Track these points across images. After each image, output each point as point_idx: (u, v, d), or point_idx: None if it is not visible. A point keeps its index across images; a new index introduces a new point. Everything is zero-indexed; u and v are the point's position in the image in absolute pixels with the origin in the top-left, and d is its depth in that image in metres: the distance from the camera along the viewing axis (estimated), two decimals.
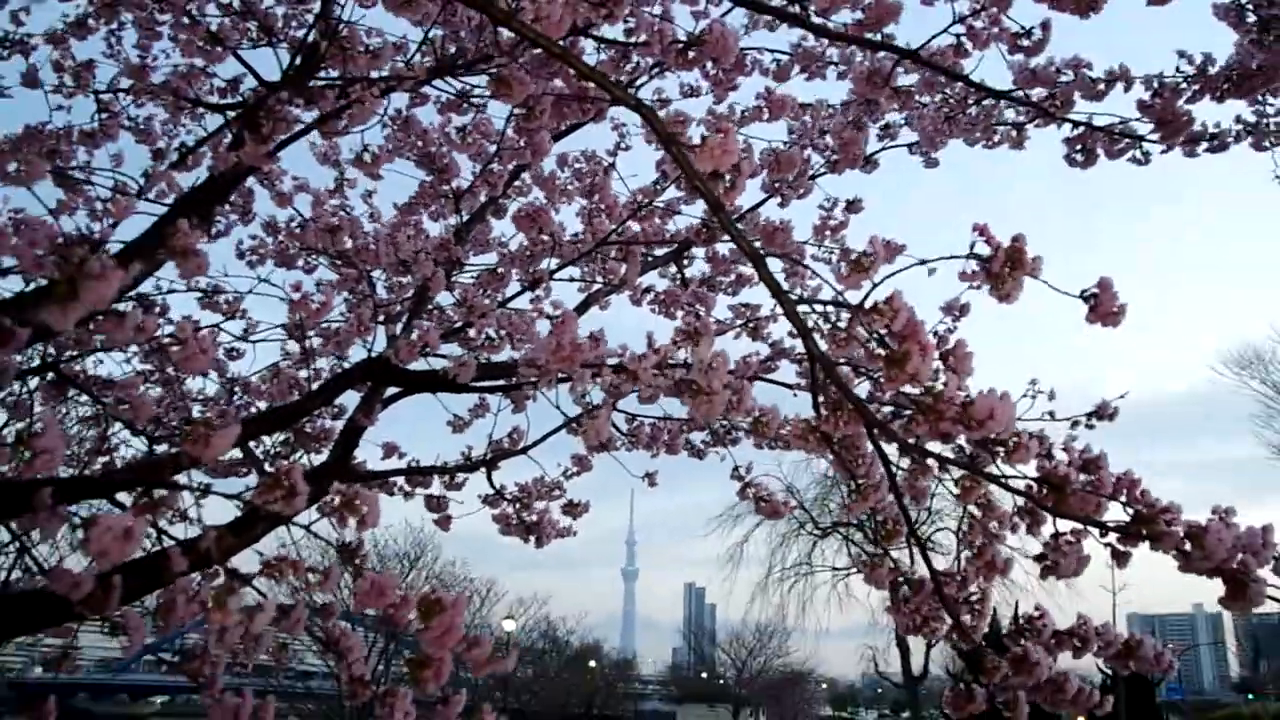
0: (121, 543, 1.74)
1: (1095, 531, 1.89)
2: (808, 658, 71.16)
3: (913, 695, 33.03)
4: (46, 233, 2.02)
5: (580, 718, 60.05)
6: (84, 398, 4.92)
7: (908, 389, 1.92)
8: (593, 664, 59.93)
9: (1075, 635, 2.01)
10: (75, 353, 4.00)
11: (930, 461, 2.36)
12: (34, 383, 4.29)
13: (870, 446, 2.15)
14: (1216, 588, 1.67)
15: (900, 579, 2.26)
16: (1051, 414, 4.36)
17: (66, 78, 3.49)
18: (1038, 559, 2.23)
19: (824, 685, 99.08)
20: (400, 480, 4.39)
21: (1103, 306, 2.06)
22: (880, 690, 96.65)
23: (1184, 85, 3.84)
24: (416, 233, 4.10)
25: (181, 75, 3.45)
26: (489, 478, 4.18)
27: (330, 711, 21.91)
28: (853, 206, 4.53)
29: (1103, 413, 4.45)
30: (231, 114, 3.41)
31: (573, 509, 4.32)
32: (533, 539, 4.13)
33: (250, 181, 4.09)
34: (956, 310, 4.24)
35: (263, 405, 4.54)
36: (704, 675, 79.20)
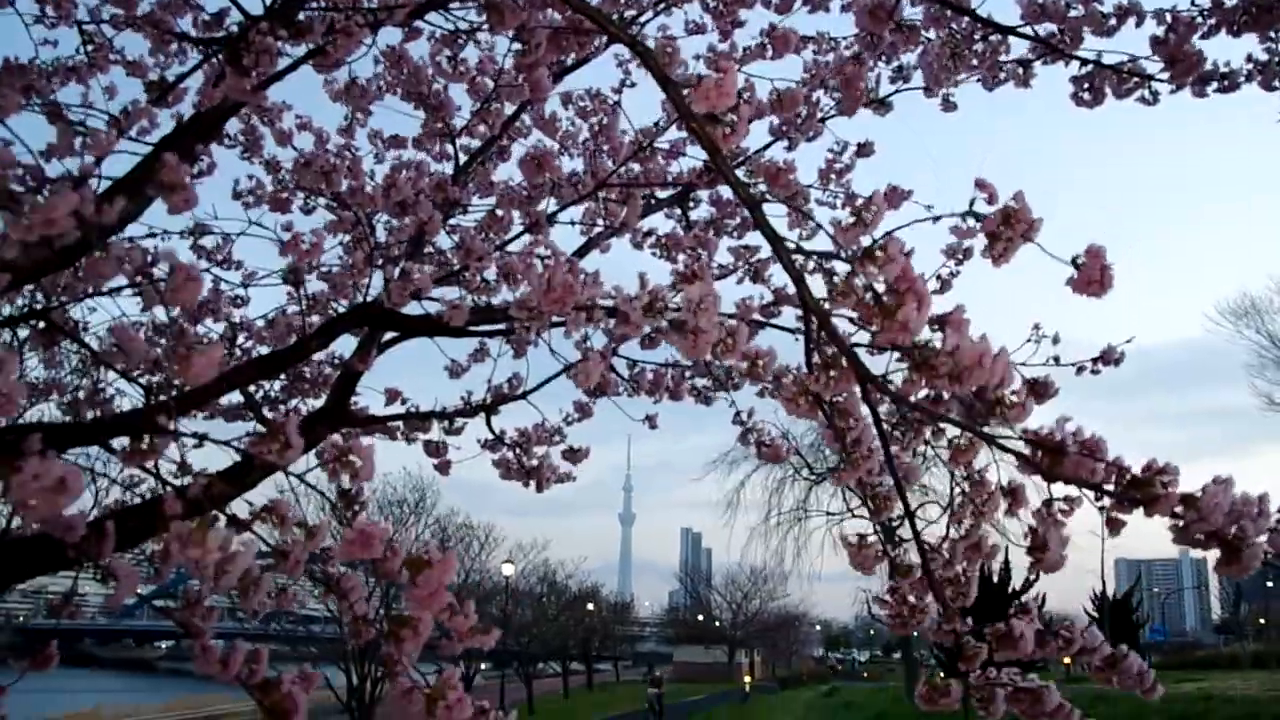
0: (51, 495, 1.56)
1: (1090, 495, 1.84)
2: (802, 600, 72.50)
3: (904, 637, 33.52)
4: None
5: (579, 659, 61.11)
6: (76, 348, 4.87)
7: (902, 342, 1.86)
8: (591, 607, 60.77)
9: (1060, 636, 1.96)
10: (65, 299, 3.93)
11: (923, 421, 2.32)
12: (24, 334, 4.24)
13: (865, 410, 2.10)
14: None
15: (892, 561, 2.20)
16: (1056, 359, 4.32)
17: (49, 8, 3.35)
18: (1028, 547, 2.16)
19: (818, 627, 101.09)
20: (399, 425, 4.36)
21: (1084, 276, 1.98)
22: (873, 632, 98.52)
23: (1199, 20, 3.73)
24: (417, 174, 4.01)
25: (164, 5, 3.34)
26: (488, 423, 4.15)
27: (333, 654, 22.20)
28: (863, 150, 4.43)
29: (1108, 358, 4.39)
30: (216, 49, 3.30)
31: (573, 455, 4.29)
32: (533, 483, 4.11)
33: (254, 120, 3.99)
34: (959, 255, 4.18)
35: (266, 350, 4.48)
36: (700, 618, 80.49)
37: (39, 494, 1.56)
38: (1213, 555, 1.63)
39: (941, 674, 2.07)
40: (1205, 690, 18.01)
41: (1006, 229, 1.91)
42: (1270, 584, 55.21)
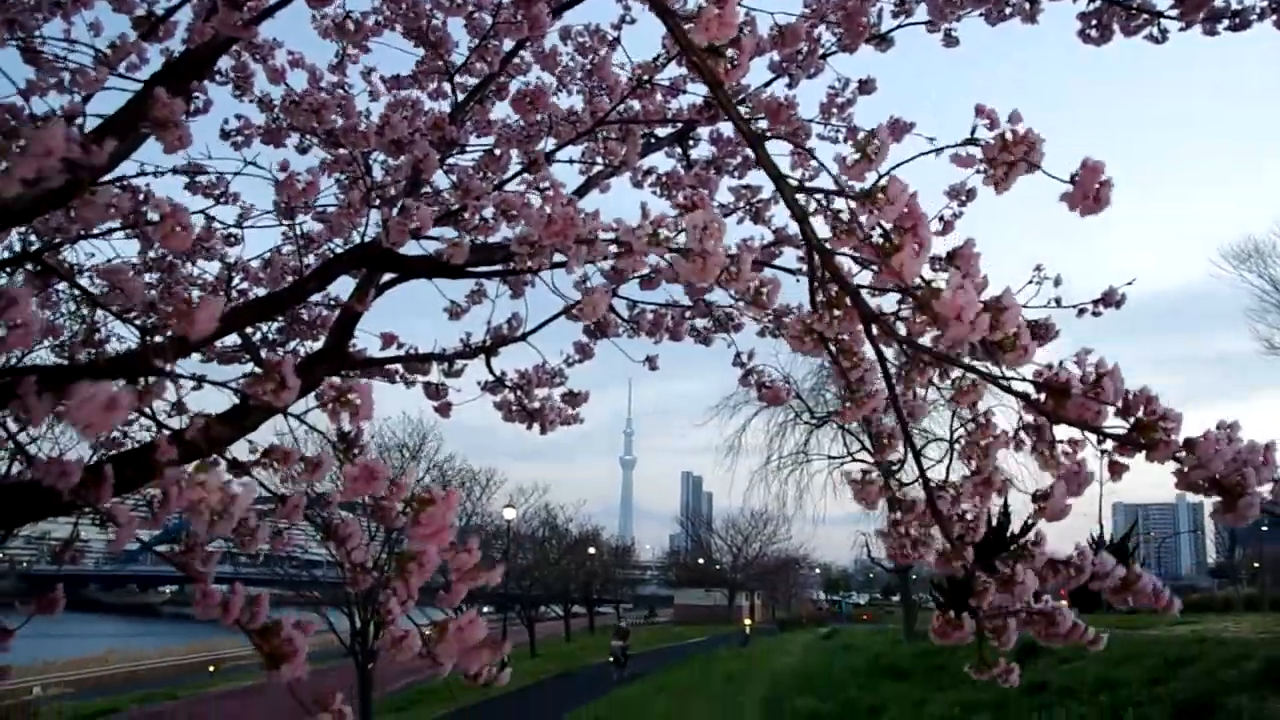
0: (105, 413, 1.61)
1: (1093, 439, 1.83)
2: (802, 544, 73.39)
3: (903, 580, 33.96)
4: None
5: (581, 602, 61.92)
6: (72, 291, 4.82)
7: (902, 283, 1.84)
8: (592, 550, 61.41)
9: (1070, 565, 1.95)
10: (58, 240, 3.89)
11: (927, 361, 2.30)
12: (19, 277, 4.19)
13: (868, 349, 2.08)
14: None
15: (893, 497, 2.20)
16: (1058, 300, 4.28)
17: None
18: (1033, 499, 2.16)
19: (817, 570, 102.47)
20: (398, 367, 4.34)
21: (1080, 191, 1.93)
22: (871, 575, 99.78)
23: None
24: (414, 113, 3.93)
25: None
26: (488, 364, 4.12)
27: (336, 598, 22.45)
28: (865, 87, 4.34)
29: (1110, 300, 4.35)
30: None
31: (573, 398, 4.28)
32: (536, 425, 4.10)
33: (245, 56, 3.91)
34: (962, 195, 4.12)
35: (262, 292, 4.45)
36: (701, 561, 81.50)
37: (93, 413, 1.61)
38: (1211, 501, 1.63)
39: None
40: (1199, 633, 18.22)
41: (1007, 154, 1.87)
42: (1265, 529, 55.71)
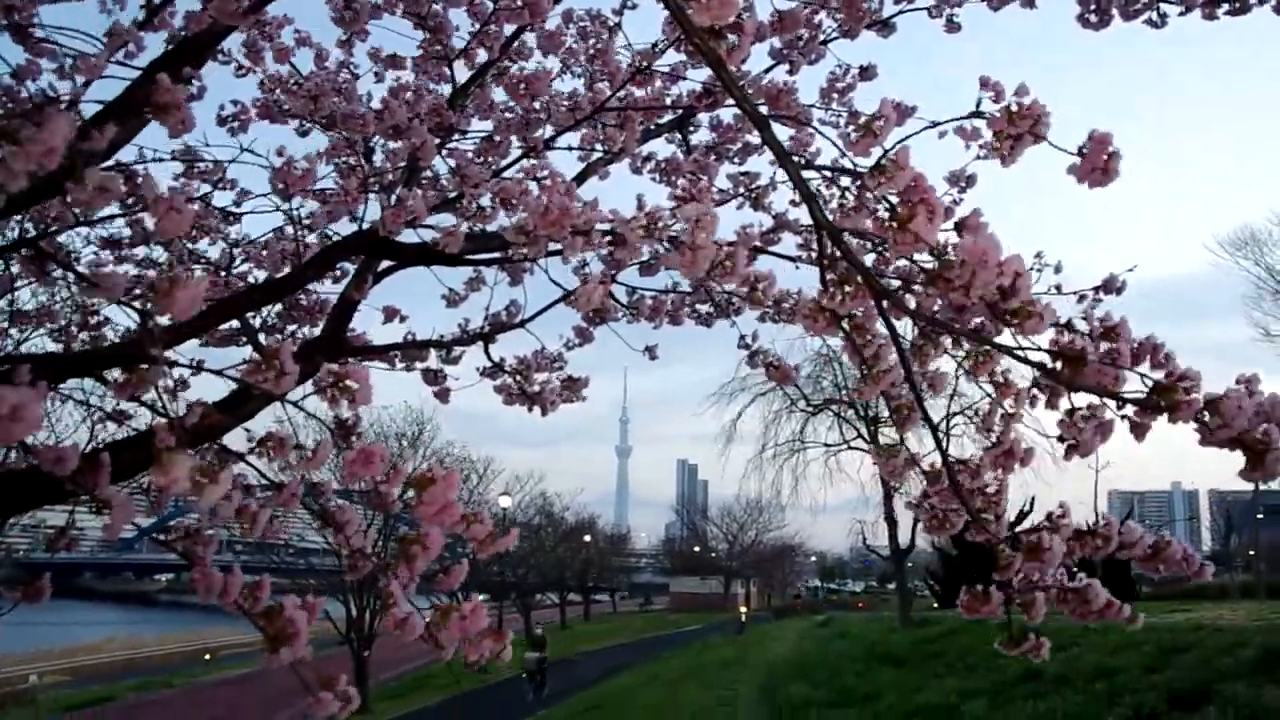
0: (7, 424, 1.39)
1: (1112, 404, 1.82)
2: (798, 532, 73.63)
3: (899, 568, 33.97)
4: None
5: (577, 590, 62.13)
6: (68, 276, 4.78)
7: (917, 257, 1.83)
8: (588, 538, 61.57)
9: (1097, 535, 1.91)
10: (54, 227, 3.87)
11: (943, 336, 2.29)
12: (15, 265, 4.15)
13: (881, 326, 2.07)
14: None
15: (920, 470, 2.17)
16: (1059, 287, 4.29)
17: None
18: (1060, 439, 2.14)
19: (813, 558, 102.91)
20: (397, 353, 4.32)
21: (1088, 163, 1.92)
22: (868, 564, 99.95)
23: None
24: (415, 98, 3.91)
25: None
26: (486, 351, 4.10)
27: (332, 586, 22.51)
28: (866, 73, 4.32)
29: (1110, 286, 4.35)
30: None
31: (572, 384, 4.26)
32: (537, 408, 4.08)
33: (253, 33, 3.87)
34: (963, 181, 4.11)
35: (263, 274, 4.43)
36: (696, 549, 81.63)
37: None
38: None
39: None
40: (1195, 620, 18.25)
41: (1014, 125, 1.86)
42: (1260, 516, 55.89)
